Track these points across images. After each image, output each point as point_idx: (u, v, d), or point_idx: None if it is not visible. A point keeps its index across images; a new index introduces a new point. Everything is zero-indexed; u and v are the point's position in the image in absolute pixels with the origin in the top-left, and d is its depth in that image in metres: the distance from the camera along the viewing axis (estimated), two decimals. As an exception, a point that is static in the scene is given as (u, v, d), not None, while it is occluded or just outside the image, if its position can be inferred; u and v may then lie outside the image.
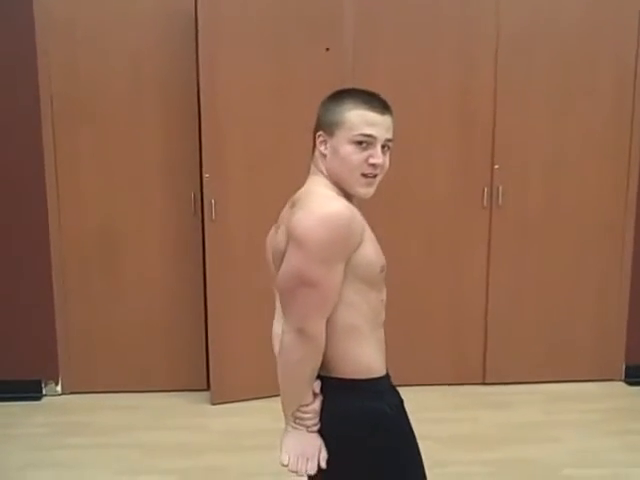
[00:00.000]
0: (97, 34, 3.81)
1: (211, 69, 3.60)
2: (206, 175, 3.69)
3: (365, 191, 1.72)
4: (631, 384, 4.19)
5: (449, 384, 4.14)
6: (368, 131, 1.67)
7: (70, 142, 3.89)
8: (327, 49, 3.73)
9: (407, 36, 3.85)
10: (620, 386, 4.19)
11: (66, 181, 3.92)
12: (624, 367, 4.22)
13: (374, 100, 1.71)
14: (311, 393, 1.68)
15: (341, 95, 1.73)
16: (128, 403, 3.98)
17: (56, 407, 3.98)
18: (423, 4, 3.85)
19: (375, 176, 1.70)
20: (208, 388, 4.00)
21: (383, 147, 1.69)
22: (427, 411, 3.72)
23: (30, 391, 4.05)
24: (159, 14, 3.82)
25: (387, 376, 1.76)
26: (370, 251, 1.68)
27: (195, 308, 4.04)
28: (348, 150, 1.68)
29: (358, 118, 1.67)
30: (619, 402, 4.01)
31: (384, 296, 1.78)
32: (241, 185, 3.74)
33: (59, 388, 4.10)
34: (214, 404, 3.92)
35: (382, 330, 1.77)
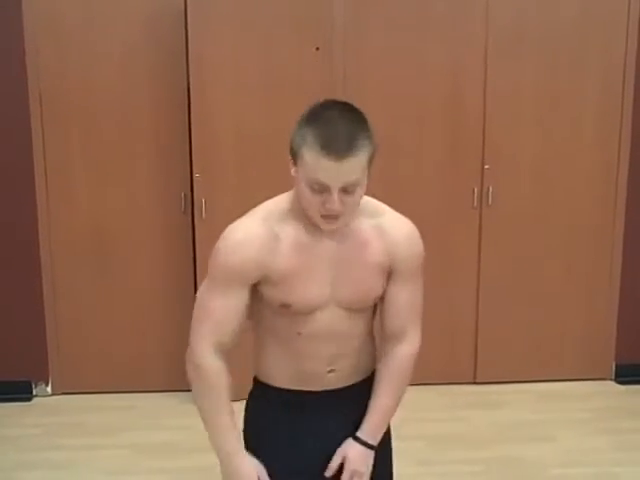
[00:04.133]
0: (86, 31, 3.80)
1: (201, 67, 3.60)
2: (196, 175, 3.69)
3: (327, 227, 1.63)
4: (621, 383, 4.20)
5: (440, 384, 4.15)
6: (321, 179, 1.52)
7: (60, 141, 3.88)
8: (317, 48, 3.72)
9: (397, 35, 3.85)
10: (610, 385, 4.20)
11: (55, 180, 3.91)
12: (614, 366, 4.23)
13: (334, 142, 1.50)
14: (230, 442, 1.73)
15: (309, 122, 1.55)
16: (120, 403, 3.97)
17: (47, 408, 3.97)
18: (413, 3, 3.85)
19: (337, 216, 1.59)
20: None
21: (347, 189, 1.55)
22: (418, 411, 3.75)
23: (20, 392, 4.02)
24: (148, 11, 3.81)
25: (287, 392, 1.77)
26: (271, 287, 1.66)
27: (186, 307, 4.01)
28: (305, 190, 1.57)
29: (313, 161, 1.52)
30: (609, 401, 4.03)
31: (304, 329, 1.71)
32: (231, 184, 3.73)
33: (49, 389, 4.08)
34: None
35: (304, 360, 1.74)
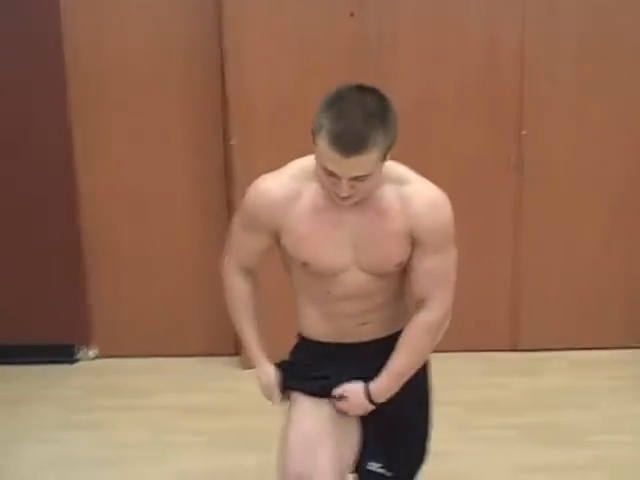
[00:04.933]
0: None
1: (235, 32, 3.61)
2: (232, 142, 3.72)
3: (340, 204, 1.69)
4: (663, 351, 4.16)
5: (478, 350, 4.14)
6: (330, 167, 1.60)
7: (96, 103, 3.94)
8: (352, 14, 3.68)
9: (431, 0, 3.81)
10: (652, 353, 4.16)
11: (93, 139, 3.97)
12: (657, 334, 4.18)
13: (343, 139, 1.54)
14: (251, 347, 1.98)
15: (327, 109, 1.60)
16: (159, 367, 4.07)
17: (89, 371, 4.08)
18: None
19: (349, 198, 1.65)
20: (238, 353, 4.06)
21: (357, 178, 1.60)
22: (455, 377, 3.76)
23: (64, 355, 4.14)
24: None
25: (323, 344, 1.89)
26: (290, 243, 1.77)
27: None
28: (319, 169, 1.65)
29: (324, 149, 1.58)
30: (650, 369, 3.99)
31: (332, 290, 1.79)
32: (266, 150, 3.75)
33: (92, 352, 4.20)
34: (245, 369, 3.98)
35: (337, 318, 1.84)
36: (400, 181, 1.75)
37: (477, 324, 4.13)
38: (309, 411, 1.84)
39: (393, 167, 1.73)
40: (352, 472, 1.94)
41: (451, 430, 3.22)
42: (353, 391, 1.85)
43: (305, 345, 1.95)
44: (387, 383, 1.84)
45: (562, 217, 4.05)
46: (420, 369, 1.92)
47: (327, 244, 1.73)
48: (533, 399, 3.64)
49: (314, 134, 1.62)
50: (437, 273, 1.80)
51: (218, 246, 3.97)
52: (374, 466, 1.91)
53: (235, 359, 4.07)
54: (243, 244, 1.88)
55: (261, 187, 1.79)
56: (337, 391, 1.86)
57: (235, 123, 3.71)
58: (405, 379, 1.85)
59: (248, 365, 3.87)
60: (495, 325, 4.18)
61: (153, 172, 4.02)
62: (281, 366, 1.96)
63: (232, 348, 4.12)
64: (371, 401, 1.84)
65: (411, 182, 1.76)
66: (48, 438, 3.29)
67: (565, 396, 3.67)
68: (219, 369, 4.04)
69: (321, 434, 1.79)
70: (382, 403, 1.86)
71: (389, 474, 1.92)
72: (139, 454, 3.12)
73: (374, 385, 1.84)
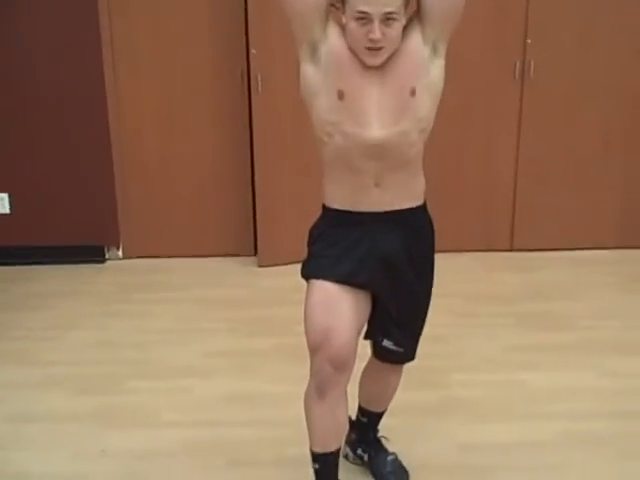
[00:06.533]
0: None
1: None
2: (253, 51, 3.90)
3: (370, 61, 1.86)
4: (655, 251, 4.40)
5: (479, 250, 4.42)
6: (363, 8, 1.78)
7: (124, 18, 4.10)
8: None
9: None
10: (643, 253, 4.42)
11: (123, 57, 4.15)
12: (649, 235, 4.44)
13: None
14: None
15: None
16: (185, 265, 4.36)
17: (119, 269, 4.38)
18: None
19: (379, 48, 1.82)
20: (256, 253, 4.36)
21: (387, 19, 1.79)
22: (457, 273, 4.06)
23: (94, 255, 4.44)
24: None
25: (350, 213, 2.00)
26: (329, 57, 1.88)
27: (244, 177, 4.35)
28: (352, 26, 1.82)
29: None
30: (640, 267, 4.26)
31: (353, 145, 1.91)
32: (285, 60, 3.93)
33: (120, 253, 4.49)
34: (261, 266, 4.28)
35: (357, 177, 1.96)
36: None
37: (478, 226, 4.39)
38: (329, 281, 2.01)
39: None
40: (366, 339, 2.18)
41: (452, 317, 3.54)
42: None
43: (327, 217, 2.07)
44: None
45: (562, 123, 4.24)
46: (429, 252, 2.12)
47: (359, 78, 1.88)
48: (529, 292, 3.92)
49: (341, 0, 1.83)
50: None
51: (238, 154, 4.27)
52: (387, 343, 2.15)
53: (253, 259, 4.38)
54: None
55: None
56: None
57: (254, 34, 3.88)
58: None
59: (265, 263, 4.21)
60: (496, 227, 4.43)
61: (178, 84, 4.20)
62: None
63: (250, 249, 4.42)
64: None
65: None
66: (88, 325, 3.62)
67: (559, 289, 3.95)
68: (238, 267, 4.33)
69: (340, 291, 1.98)
70: (395, 283, 2.04)
71: (400, 350, 2.17)
72: (171, 338, 3.45)
73: None
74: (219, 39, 4.14)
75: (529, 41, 4.06)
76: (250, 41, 3.92)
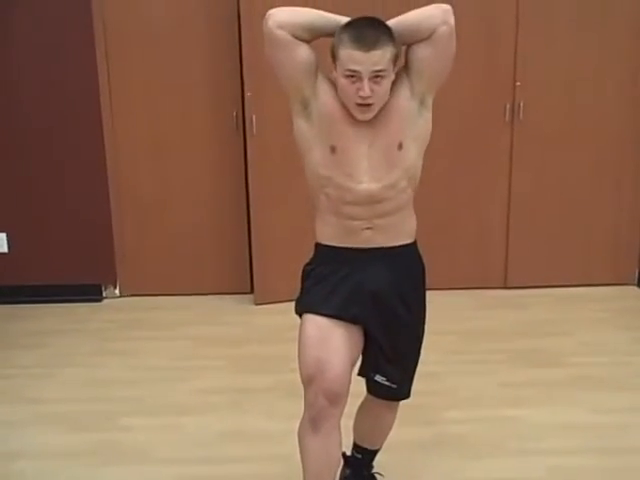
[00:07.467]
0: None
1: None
2: (248, 93, 3.99)
3: (361, 117, 1.95)
4: (643, 288, 4.46)
5: (473, 288, 4.47)
6: (353, 67, 1.87)
7: (121, 62, 4.20)
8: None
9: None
10: (632, 290, 4.47)
11: (119, 98, 4.23)
12: (637, 272, 4.50)
13: (363, 37, 1.86)
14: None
15: (344, 29, 1.92)
16: (180, 303, 4.40)
17: (116, 307, 4.42)
18: None
19: (369, 104, 1.91)
20: (252, 291, 4.40)
21: (376, 77, 1.87)
22: (451, 311, 4.10)
23: (91, 294, 4.48)
24: None
25: (341, 249, 2.07)
26: (320, 113, 1.97)
27: (239, 216, 4.41)
28: (342, 82, 1.91)
29: (346, 56, 1.88)
30: (630, 303, 4.31)
31: (345, 196, 1.99)
32: (279, 102, 4.01)
33: (117, 291, 4.53)
34: (257, 304, 4.32)
35: (349, 221, 2.03)
36: None
37: (471, 264, 4.45)
38: (321, 316, 2.07)
39: None
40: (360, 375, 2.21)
41: (445, 355, 3.57)
42: None
43: (319, 253, 2.14)
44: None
45: (552, 163, 4.32)
46: (419, 287, 2.16)
47: (349, 127, 1.97)
48: (521, 329, 3.96)
49: (334, 50, 1.92)
50: None
51: (233, 194, 4.33)
52: (380, 378, 2.18)
53: (249, 296, 4.41)
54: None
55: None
56: None
57: (249, 77, 3.98)
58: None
59: (261, 301, 4.25)
60: (490, 265, 4.48)
61: (173, 125, 4.29)
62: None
63: (246, 287, 4.46)
64: None
65: None
66: (83, 363, 3.65)
67: (551, 326, 3.99)
68: (234, 305, 4.37)
69: (332, 325, 2.03)
70: (389, 322, 2.09)
71: (393, 386, 2.20)
72: (166, 375, 3.47)
73: None
74: (215, 82, 4.23)
75: (518, 84, 4.16)
76: (245, 84, 4.02)
